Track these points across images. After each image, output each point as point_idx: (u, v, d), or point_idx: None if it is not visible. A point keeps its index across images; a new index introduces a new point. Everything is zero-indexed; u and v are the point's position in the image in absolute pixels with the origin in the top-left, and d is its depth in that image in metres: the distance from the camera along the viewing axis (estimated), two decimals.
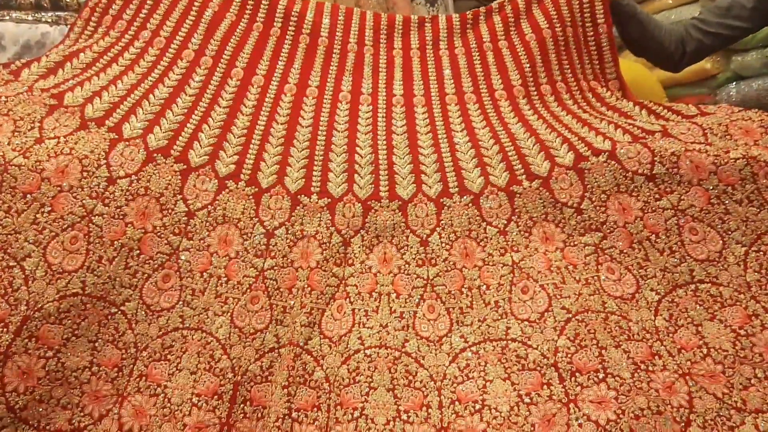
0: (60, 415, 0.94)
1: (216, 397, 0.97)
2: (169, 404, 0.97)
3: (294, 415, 0.96)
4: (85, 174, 0.97)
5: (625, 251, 1.04)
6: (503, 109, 1.20)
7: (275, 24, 1.22)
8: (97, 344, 0.97)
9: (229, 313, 1.02)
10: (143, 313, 1.00)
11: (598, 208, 1.05)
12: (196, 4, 1.19)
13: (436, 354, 1.00)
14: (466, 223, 1.08)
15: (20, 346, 0.91)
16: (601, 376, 0.93)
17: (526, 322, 1.00)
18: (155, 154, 1.03)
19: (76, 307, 0.96)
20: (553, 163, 1.07)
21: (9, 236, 0.93)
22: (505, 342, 0.99)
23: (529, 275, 1.04)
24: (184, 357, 1.00)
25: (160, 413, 0.97)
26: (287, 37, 1.21)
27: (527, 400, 0.93)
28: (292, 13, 1.23)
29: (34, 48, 1.55)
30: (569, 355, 0.95)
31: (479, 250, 1.08)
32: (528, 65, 1.23)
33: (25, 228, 0.94)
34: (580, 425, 0.90)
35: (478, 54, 1.25)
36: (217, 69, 1.16)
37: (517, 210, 1.08)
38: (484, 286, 1.05)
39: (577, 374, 0.94)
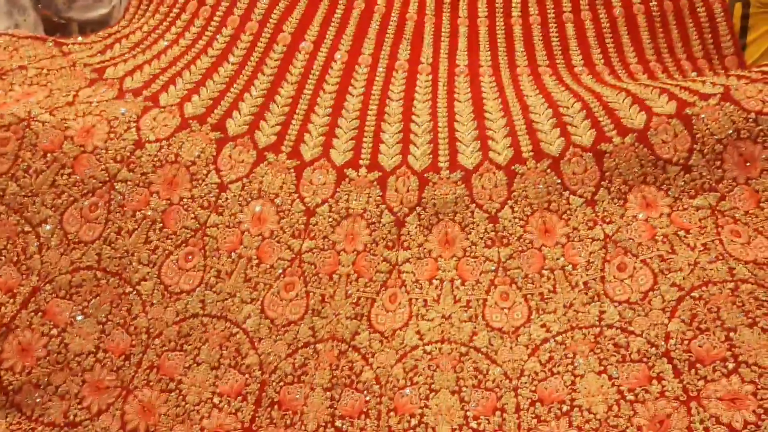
0: (56, 405, 0.81)
1: (240, 398, 0.82)
2: (183, 403, 0.82)
3: (338, 423, 0.80)
4: (111, 136, 0.90)
5: (751, 212, 0.82)
6: (583, 77, 1.02)
7: None
8: (106, 327, 0.84)
9: (259, 301, 0.87)
10: (160, 294, 0.87)
11: (711, 162, 0.84)
12: None
13: (511, 347, 0.81)
14: (544, 192, 0.88)
15: (25, 320, 0.81)
16: (731, 366, 0.71)
17: (625, 305, 0.79)
18: (190, 121, 0.95)
19: (89, 282, 0.85)
20: (650, 114, 0.86)
21: (26, 198, 0.85)
22: (598, 329, 0.79)
23: (626, 249, 0.83)
24: (204, 349, 0.85)
25: (173, 412, 0.82)
26: (339, 2, 1.12)
27: (630, 397, 0.72)
28: None
29: None
30: (685, 342, 0.74)
31: (562, 224, 0.87)
32: (612, 44, 1.06)
33: (43, 191, 0.86)
34: (706, 429, 0.68)
35: (555, 26, 1.09)
36: (263, 34, 1.06)
37: (607, 173, 0.87)
38: (570, 266, 0.85)
39: (698, 365, 0.73)
